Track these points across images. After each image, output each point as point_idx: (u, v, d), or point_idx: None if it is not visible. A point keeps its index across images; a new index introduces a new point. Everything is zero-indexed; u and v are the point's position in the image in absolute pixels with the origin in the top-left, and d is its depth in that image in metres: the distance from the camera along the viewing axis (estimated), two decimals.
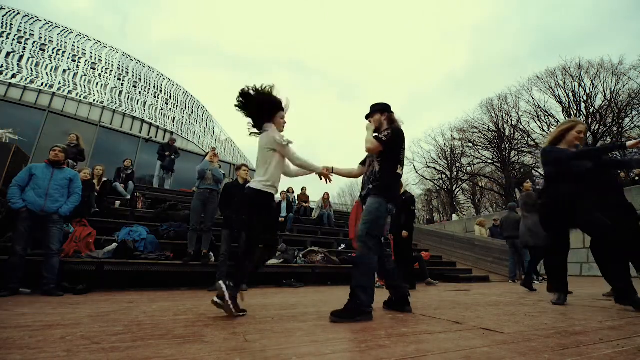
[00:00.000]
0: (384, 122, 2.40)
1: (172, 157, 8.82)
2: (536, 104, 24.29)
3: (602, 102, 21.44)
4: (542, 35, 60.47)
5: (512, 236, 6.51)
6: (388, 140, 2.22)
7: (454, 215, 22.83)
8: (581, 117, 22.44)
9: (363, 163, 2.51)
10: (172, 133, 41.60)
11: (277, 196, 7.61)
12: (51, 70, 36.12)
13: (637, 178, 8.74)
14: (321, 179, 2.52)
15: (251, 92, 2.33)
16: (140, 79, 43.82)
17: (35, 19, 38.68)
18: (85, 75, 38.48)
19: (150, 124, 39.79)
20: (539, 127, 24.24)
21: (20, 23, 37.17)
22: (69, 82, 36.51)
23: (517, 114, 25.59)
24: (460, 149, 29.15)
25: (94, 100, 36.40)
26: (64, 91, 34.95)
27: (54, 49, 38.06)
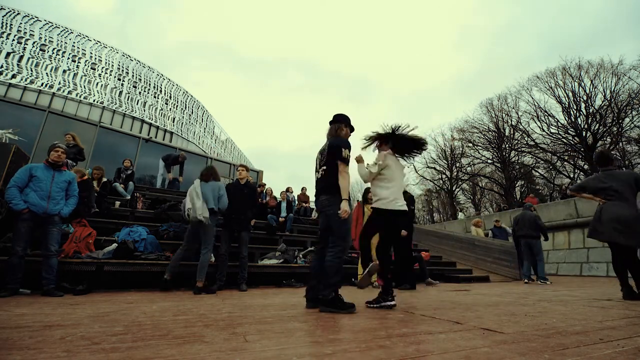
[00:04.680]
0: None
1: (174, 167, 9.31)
2: (536, 104, 24.31)
3: (602, 102, 21.45)
4: (553, 39, 60.54)
5: (528, 235, 6.39)
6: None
7: (460, 214, 22.85)
8: (581, 117, 22.47)
9: None
10: (172, 133, 41.60)
11: (277, 196, 7.62)
12: (51, 71, 36.12)
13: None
14: None
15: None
16: (140, 79, 43.82)
17: (35, 19, 38.68)
18: (85, 75, 38.49)
19: (150, 124, 39.79)
20: (539, 127, 24.28)
21: (20, 23, 37.17)
22: (69, 82, 36.52)
23: (517, 114, 25.62)
24: (460, 149, 29.16)
25: (94, 101, 36.42)
26: (64, 91, 34.96)
27: (54, 49, 38.06)
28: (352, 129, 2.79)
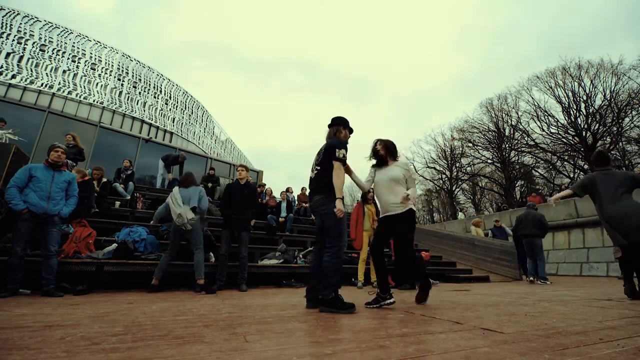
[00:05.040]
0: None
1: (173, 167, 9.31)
2: (536, 103, 24.33)
3: (602, 102, 21.46)
4: (554, 39, 60.50)
5: (531, 234, 6.32)
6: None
7: (460, 214, 22.85)
8: (581, 117, 22.48)
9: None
10: (172, 134, 41.58)
11: (277, 196, 7.62)
12: (51, 71, 36.10)
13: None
14: None
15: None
16: (140, 80, 43.80)
17: (35, 19, 38.67)
18: (85, 75, 38.47)
19: (150, 125, 39.77)
20: (539, 127, 24.30)
21: (20, 24, 37.15)
22: (68, 82, 36.50)
23: (517, 113, 25.64)
24: (460, 149, 29.19)
25: (93, 101, 36.40)
26: (63, 92, 34.95)
27: (53, 49, 38.03)
28: (351, 131, 2.80)
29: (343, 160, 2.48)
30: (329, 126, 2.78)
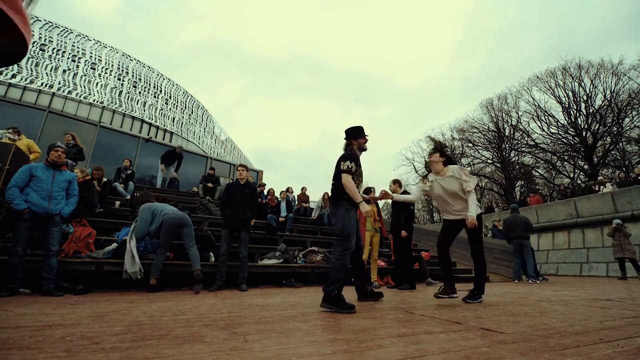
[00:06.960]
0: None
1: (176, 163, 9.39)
2: (536, 103, 24.32)
3: (602, 102, 21.45)
4: (555, 40, 60.40)
5: (521, 236, 6.46)
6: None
7: None
8: (581, 117, 22.47)
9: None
10: (172, 134, 41.57)
11: (278, 196, 7.61)
12: (51, 70, 36.09)
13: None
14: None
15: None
16: (140, 79, 43.79)
17: (35, 19, 38.63)
18: (85, 75, 38.46)
19: (150, 124, 39.76)
20: (539, 127, 24.29)
21: None
22: (68, 82, 36.49)
23: (517, 114, 25.63)
24: (460, 149, 29.15)
25: (93, 101, 36.39)
26: (63, 91, 34.93)
27: (53, 49, 38.03)
28: (364, 138, 2.88)
29: (348, 171, 2.66)
30: (344, 139, 2.92)
